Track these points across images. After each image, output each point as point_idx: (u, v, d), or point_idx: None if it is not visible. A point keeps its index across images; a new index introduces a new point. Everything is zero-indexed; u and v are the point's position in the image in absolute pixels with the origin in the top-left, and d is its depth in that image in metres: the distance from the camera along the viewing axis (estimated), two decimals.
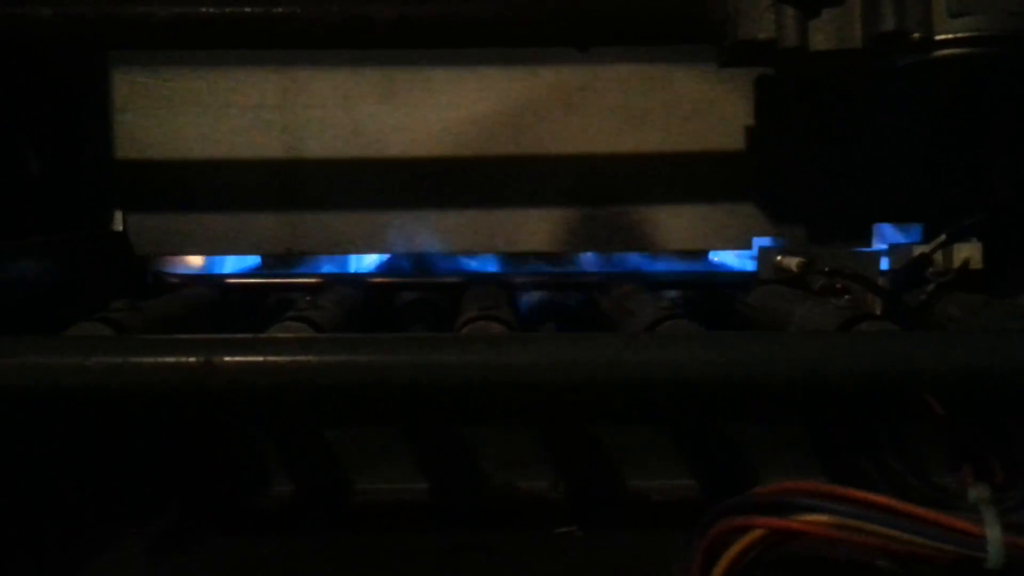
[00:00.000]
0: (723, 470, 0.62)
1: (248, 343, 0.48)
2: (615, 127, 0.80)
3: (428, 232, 0.80)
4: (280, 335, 0.55)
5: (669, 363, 0.45)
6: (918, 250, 0.69)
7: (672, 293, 0.78)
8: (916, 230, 0.80)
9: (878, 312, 0.64)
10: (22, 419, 0.56)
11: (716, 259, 0.85)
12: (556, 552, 0.55)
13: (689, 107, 0.79)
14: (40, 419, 0.57)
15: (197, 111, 0.79)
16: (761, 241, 0.79)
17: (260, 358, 0.47)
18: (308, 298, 0.63)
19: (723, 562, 0.45)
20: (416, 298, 0.80)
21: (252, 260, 0.84)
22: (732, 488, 0.59)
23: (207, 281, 0.80)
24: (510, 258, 0.84)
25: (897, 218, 0.79)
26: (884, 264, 0.71)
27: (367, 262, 0.84)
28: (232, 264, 0.84)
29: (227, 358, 0.47)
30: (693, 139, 0.79)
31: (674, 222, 0.80)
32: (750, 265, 0.82)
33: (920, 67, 0.58)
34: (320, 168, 0.80)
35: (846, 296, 0.64)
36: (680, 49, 0.72)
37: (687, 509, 0.58)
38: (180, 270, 0.82)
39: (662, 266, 0.84)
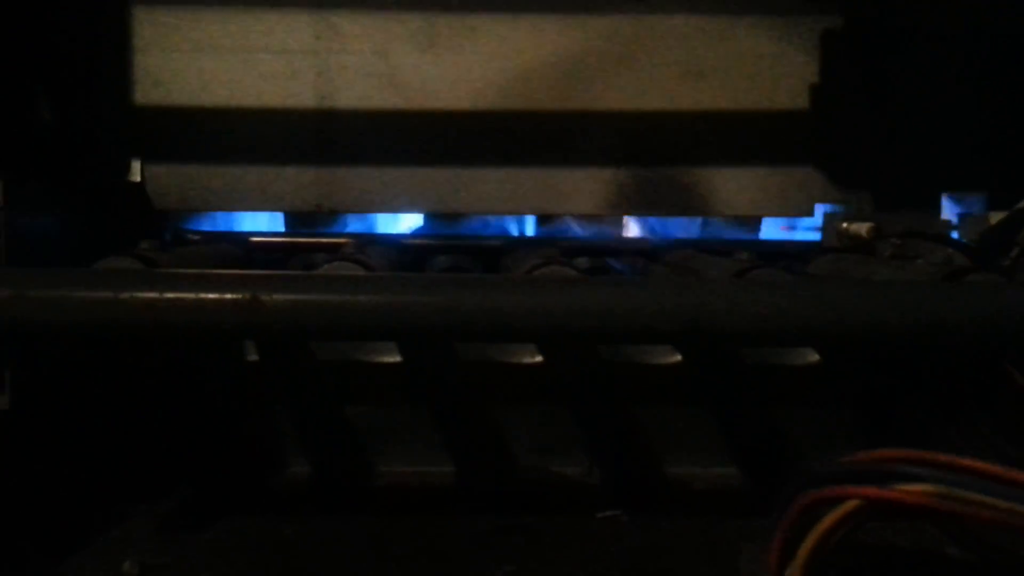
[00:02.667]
0: (765, 457, 0.58)
1: (300, 280, 0.44)
2: (671, 83, 0.75)
3: (467, 191, 0.75)
4: (334, 272, 0.49)
5: (786, 308, 0.41)
6: (995, 218, 0.65)
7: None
8: (974, 201, 0.76)
9: None
10: (38, 370, 0.51)
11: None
12: (601, 537, 0.52)
13: (751, 63, 0.75)
14: (57, 374, 0.52)
15: (224, 55, 0.74)
16: (823, 208, 0.75)
17: (314, 296, 0.43)
18: (353, 245, 0.58)
19: (813, 536, 0.41)
20: (450, 263, 0.75)
21: (276, 219, 0.79)
22: (776, 477, 0.56)
23: (230, 239, 0.75)
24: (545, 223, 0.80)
25: (963, 187, 0.75)
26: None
27: (400, 223, 0.79)
28: (255, 223, 0.79)
29: (276, 295, 0.42)
30: (754, 97, 0.75)
31: (731, 186, 0.76)
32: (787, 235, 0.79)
33: None
34: (354, 120, 0.75)
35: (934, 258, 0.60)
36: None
37: (732, 497, 0.57)
38: (201, 227, 0.77)
39: (701, 235, 0.80)
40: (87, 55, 0.74)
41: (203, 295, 0.43)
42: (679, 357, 0.56)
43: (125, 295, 0.42)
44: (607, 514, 0.55)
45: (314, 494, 0.57)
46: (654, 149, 0.76)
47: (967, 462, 0.39)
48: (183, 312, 0.42)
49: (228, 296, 0.42)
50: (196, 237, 0.75)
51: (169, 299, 0.42)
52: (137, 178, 0.74)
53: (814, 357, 0.57)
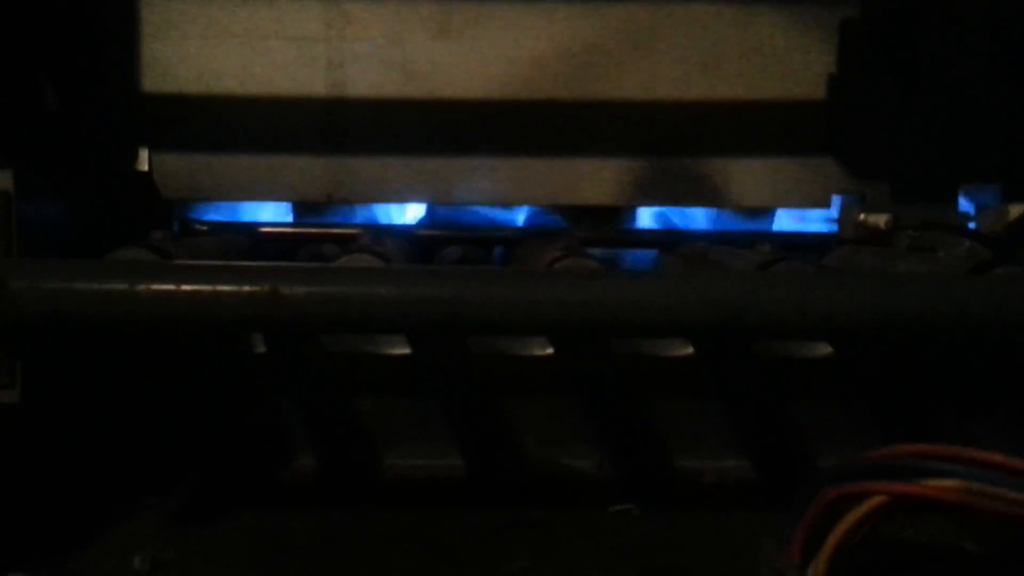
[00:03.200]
0: (777, 451, 0.58)
1: (320, 272, 0.43)
2: (687, 72, 0.74)
3: (481, 182, 0.74)
4: (356, 265, 0.49)
5: (814, 300, 0.40)
6: (1014, 210, 0.64)
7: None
8: (987, 192, 0.75)
9: None
10: (48, 363, 0.50)
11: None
12: (615, 531, 0.52)
13: (768, 53, 0.74)
14: (65, 366, 0.52)
15: (234, 42, 0.73)
16: (840, 199, 0.74)
17: (334, 288, 0.42)
18: (369, 236, 0.57)
19: (838, 532, 0.40)
20: (462, 255, 0.74)
21: (282, 209, 0.78)
22: (788, 471, 0.56)
23: (238, 229, 0.74)
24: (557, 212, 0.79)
25: (981, 178, 0.74)
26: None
27: (411, 214, 0.78)
28: (262, 213, 0.78)
29: (296, 288, 0.41)
30: (770, 87, 0.74)
31: (747, 176, 0.75)
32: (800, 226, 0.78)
33: None
34: (366, 108, 0.74)
35: (955, 250, 0.59)
36: None
37: (743, 491, 0.57)
38: (208, 216, 0.76)
39: (715, 225, 0.79)
40: (93, 42, 0.72)
41: (221, 287, 0.42)
42: (691, 350, 0.56)
43: (141, 287, 0.41)
44: (619, 508, 0.54)
45: (322, 487, 0.56)
46: (669, 139, 0.75)
47: (995, 457, 0.39)
48: (201, 304, 0.42)
49: (247, 288, 0.42)
50: (204, 227, 0.74)
51: (187, 291, 0.42)
52: (145, 167, 0.73)
53: (827, 349, 0.56)
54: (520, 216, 0.79)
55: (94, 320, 0.42)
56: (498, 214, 0.78)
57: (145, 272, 0.42)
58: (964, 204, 0.75)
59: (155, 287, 0.42)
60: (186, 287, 0.42)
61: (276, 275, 0.42)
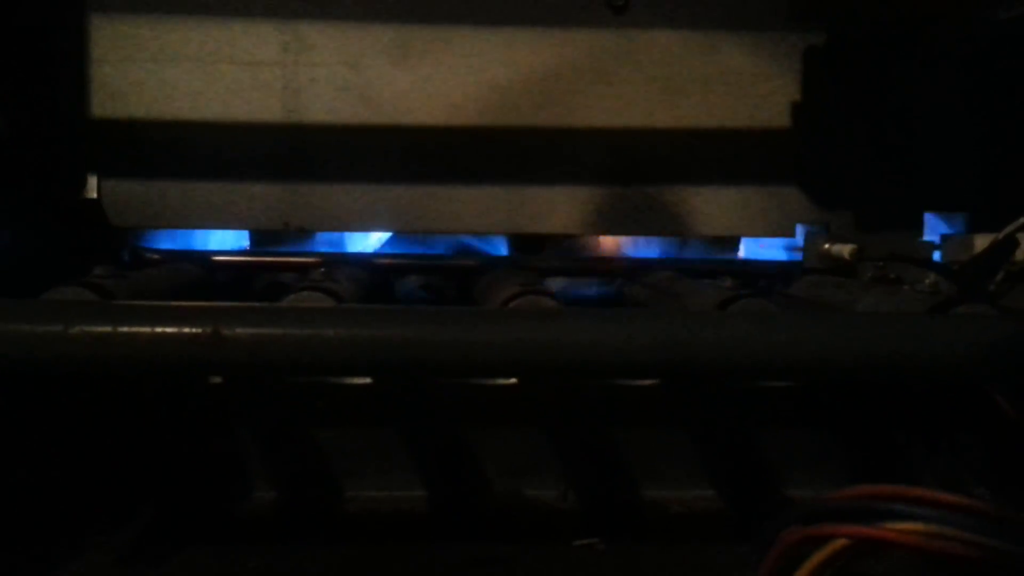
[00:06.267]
0: (744, 480, 0.57)
1: (263, 313, 0.41)
2: (651, 99, 0.74)
3: (440, 209, 0.73)
4: (301, 305, 0.47)
5: (771, 342, 0.39)
6: (979, 240, 0.63)
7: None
8: (955, 221, 0.75)
9: None
10: None
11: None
12: (580, 566, 0.50)
13: (733, 80, 0.73)
14: (9, 400, 0.50)
15: (187, 66, 0.71)
16: (804, 229, 0.74)
17: (278, 330, 0.40)
18: (322, 270, 0.55)
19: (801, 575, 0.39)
20: (423, 283, 0.73)
21: (242, 235, 0.76)
22: (755, 501, 0.55)
23: (191, 258, 0.72)
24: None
25: (947, 207, 0.74)
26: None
27: (370, 242, 0.76)
28: (220, 240, 0.76)
29: (239, 329, 0.40)
30: (735, 115, 0.74)
31: (711, 205, 0.75)
32: (769, 255, 0.77)
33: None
34: (323, 135, 0.73)
35: (917, 284, 0.59)
36: (728, 14, 0.66)
37: (711, 521, 0.55)
38: (162, 244, 0.74)
39: (682, 255, 0.78)
40: (41, 65, 0.71)
41: (160, 329, 0.40)
42: (655, 380, 0.55)
43: (76, 329, 0.40)
44: (584, 542, 0.53)
45: (280, 521, 0.54)
46: (633, 167, 0.74)
47: (956, 499, 0.38)
48: (139, 347, 0.40)
49: (187, 330, 0.40)
50: (156, 256, 0.72)
51: (124, 333, 0.40)
52: (93, 194, 0.71)
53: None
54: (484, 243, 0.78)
55: (27, 363, 0.40)
56: (461, 240, 0.77)
57: (81, 313, 0.41)
58: (930, 233, 0.75)
59: (91, 329, 0.40)
60: (123, 329, 0.40)
61: (218, 316, 0.40)
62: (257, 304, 0.42)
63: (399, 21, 0.72)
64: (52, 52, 0.71)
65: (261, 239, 0.76)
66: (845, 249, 0.67)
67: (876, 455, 0.57)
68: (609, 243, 0.78)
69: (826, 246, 0.69)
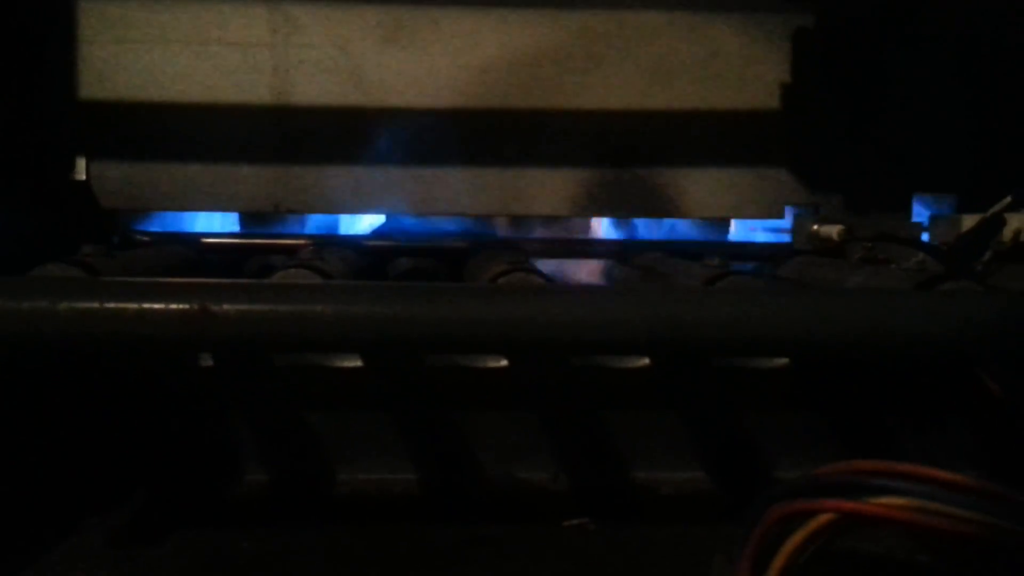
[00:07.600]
0: (733, 461, 0.57)
1: (251, 289, 0.41)
2: (642, 82, 0.74)
3: (433, 192, 0.73)
4: (289, 282, 0.47)
5: (757, 318, 0.39)
6: (967, 220, 0.64)
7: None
8: (944, 202, 0.75)
9: None
10: None
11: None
12: (571, 546, 0.50)
13: (722, 62, 0.73)
14: None
15: (176, 47, 0.71)
16: (793, 210, 0.74)
17: (266, 306, 0.40)
18: (311, 249, 0.55)
19: (786, 550, 0.39)
20: (413, 266, 0.72)
21: (232, 218, 0.76)
22: (745, 482, 0.55)
23: (181, 240, 0.72)
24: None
25: (935, 188, 0.74)
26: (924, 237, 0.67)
27: (361, 225, 0.76)
28: (210, 222, 0.76)
29: (226, 305, 0.40)
30: (725, 97, 0.74)
31: (701, 187, 0.75)
32: (757, 237, 0.78)
33: None
34: (313, 117, 0.72)
35: (904, 263, 0.59)
36: None
37: (700, 502, 0.55)
38: (152, 227, 0.74)
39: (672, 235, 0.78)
40: (30, 47, 0.70)
41: (147, 305, 0.40)
42: (646, 361, 0.55)
43: (63, 305, 0.40)
44: (574, 522, 0.53)
45: (272, 504, 0.55)
46: (623, 149, 0.74)
47: (941, 474, 0.38)
48: (126, 323, 0.40)
49: (174, 306, 0.40)
50: (146, 238, 0.72)
51: (110, 309, 0.40)
52: (82, 176, 0.71)
53: (783, 361, 0.56)
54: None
55: (15, 339, 0.40)
56: (451, 223, 0.77)
57: (67, 289, 0.40)
58: (919, 215, 0.75)
59: (77, 305, 0.40)
60: (110, 305, 0.40)
61: (206, 292, 0.40)
62: (245, 280, 0.42)
63: (389, 2, 0.72)
64: (41, 33, 0.71)
65: (251, 222, 0.75)
66: (834, 230, 0.67)
67: (867, 437, 0.57)
68: (599, 225, 0.78)
69: (815, 227, 0.69)
